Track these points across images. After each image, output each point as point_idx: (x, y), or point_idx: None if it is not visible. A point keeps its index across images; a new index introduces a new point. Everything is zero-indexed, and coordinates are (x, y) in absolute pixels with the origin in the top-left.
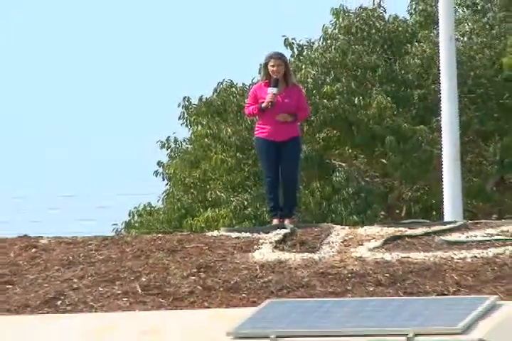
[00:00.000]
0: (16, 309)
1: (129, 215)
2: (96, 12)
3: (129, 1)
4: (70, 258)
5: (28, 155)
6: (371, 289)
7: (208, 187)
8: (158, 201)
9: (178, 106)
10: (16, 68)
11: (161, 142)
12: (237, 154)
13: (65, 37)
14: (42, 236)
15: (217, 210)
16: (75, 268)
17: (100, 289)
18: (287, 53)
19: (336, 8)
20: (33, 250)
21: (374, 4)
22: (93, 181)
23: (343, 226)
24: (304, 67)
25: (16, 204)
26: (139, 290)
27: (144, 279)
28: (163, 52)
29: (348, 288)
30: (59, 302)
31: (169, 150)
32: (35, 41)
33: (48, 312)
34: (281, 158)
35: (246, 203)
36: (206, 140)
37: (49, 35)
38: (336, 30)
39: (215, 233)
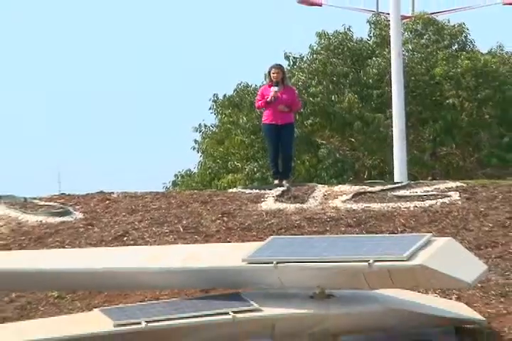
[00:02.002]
0: (95, 243)
1: (175, 177)
2: (144, 15)
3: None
4: (133, 207)
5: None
6: (343, 229)
7: (229, 158)
8: (194, 168)
9: (209, 100)
10: (66, 61)
11: (194, 127)
12: (251, 136)
13: (119, 36)
14: (113, 192)
15: (235, 175)
16: (136, 214)
17: (154, 229)
18: (285, 63)
19: (320, 32)
20: (107, 202)
21: (345, 29)
22: (152, 155)
23: (323, 185)
24: (296, 73)
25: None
26: (181, 230)
27: (184, 222)
28: (201, 61)
29: (327, 228)
30: (125, 239)
31: (201, 132)
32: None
33: (117, 246)
34: (280, 138)
35: (256, 170)
36: (228, 125)
37: (97, 34)
38: (319, 48)
39: (234, 190)
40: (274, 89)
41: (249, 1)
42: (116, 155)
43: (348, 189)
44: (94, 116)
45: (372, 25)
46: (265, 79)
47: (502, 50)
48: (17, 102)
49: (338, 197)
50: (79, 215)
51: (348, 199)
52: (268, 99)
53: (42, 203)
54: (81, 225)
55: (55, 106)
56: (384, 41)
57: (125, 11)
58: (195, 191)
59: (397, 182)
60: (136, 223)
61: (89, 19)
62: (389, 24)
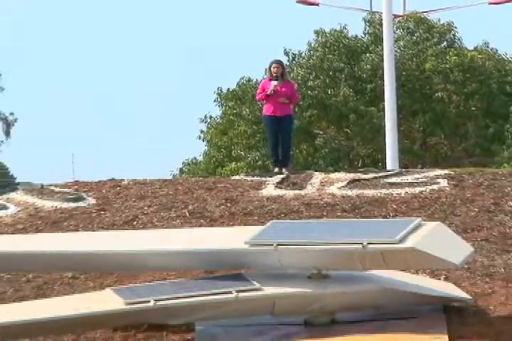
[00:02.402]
0: (107, 227)
1: (182, 165)
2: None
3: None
4: (142, 193)
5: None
6: (339, 214)
7: (232, 147)
8: (200, 156)
9: (214, 93)
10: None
11: (200, 118)
12: (253, 126)
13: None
14: (124, 179)
15: (238, 163)
16: (145, 200)
17: (162, 214)
18: (285, 59)
19: (317, 30)
20: (118, 188)
21: (341, 27)
22: (160, 144)
23: (320, 173)
24: (295, 68)
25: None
26: (187, 215)
27: (190, 207)
28: (207, 57)
29: (324, 213)
30: (135, 223)
31: (206, 123)
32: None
33: (127, 229)
34: (280, 128)
35: (257, 158)
36: (231, 117)
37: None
38: (317, 45)
39: (237, 177)
40: (274, 83)
41: (251, 1)
42: (127, 145)
43: (344, 176)
44: (107, 107)
45: (368, 23)
46: (266, 74)
47: (487, 46)
48: (35, 94)
49: (334, 184)
50: (92, 201)
51: (343, 186)
52: (268, 92)
53: (57, 190)
54: (94, 210)
55: (70, 98)
56: (377, 38)
57: (136, 12)
58: (201, 178)
59: (389, 170)
60: (146, 208)
61: (104, 18)
62: (382, 22)
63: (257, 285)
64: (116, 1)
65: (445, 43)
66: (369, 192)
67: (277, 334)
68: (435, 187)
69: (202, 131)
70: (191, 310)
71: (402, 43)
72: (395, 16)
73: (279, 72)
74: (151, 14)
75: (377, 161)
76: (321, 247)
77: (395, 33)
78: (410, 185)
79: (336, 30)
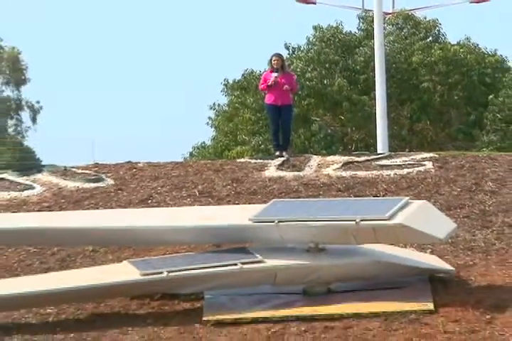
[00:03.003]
0: (124, 205)
1: (192, 149)
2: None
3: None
4: (156, 175)
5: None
6: (334, 193)
7: (237, 133)
8: (208, 140)
9: (221, 84)
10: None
11: (209, 106)
12: (256, 113)
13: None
14: (139, 162)
15: (243, 147)
16: (158, 181)
17: (173, 193)
18: (285, 52)
19: (315, 26)
20: (134, 170)
21: (337, 24)
22: (172, 130)
23: (317, 156)
24: (295, 61)
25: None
26: (197, 194)
27: (199, 187)
28: (215, 51)
29: (321, 192)
30: (149, 201)
31: (214, 110)
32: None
33: (142, 207)
34: (280, 116)
35: (260, 142)
36: (237, 105)
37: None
38: (315, 39)
39: (242, 160)
40: (274, 74)
41: (255, 1)
42: (142, 131)
43: (338, 159)
44: (124, 96)
45: (361, 20)
46: (268, 66)
47: (469, 41)
48: (58, 83)
49: (330, 166)
50: (110, 182)
51: (338, 168)
52: (269, 83)
53: (79, 171)
54: (112, 190)
55: (91, 87)
56: (369, 34)
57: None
58: (209, 161)
59: (380, 154)
60: (159, 188)
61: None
62: (373, 19)
63: (260, 257)
64: None
65: (430, 38)
66: (361, 174)
67: (278, 303)
68: (421, 168)
69: (210, 118)
70: (200, 280)
71: (391, 38)
72: (385, 14)
73: (279, 64)
74: (172, 12)
75: (369, 145)
76: (318, 223)
77: (385, 28)
78: (399, 166)
79: (332, 26)
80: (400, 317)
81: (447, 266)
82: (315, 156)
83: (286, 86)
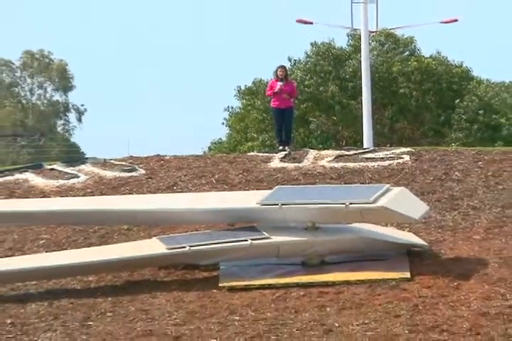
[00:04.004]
0: (154, 191)
1: (210, 144)
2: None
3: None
4: (180, 165)
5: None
6: (328, 181)
7: (248, 131)
8: (223, 137)
9: (234, 90)
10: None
11: (225, 108)
12: (263, 114)
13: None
14: (166, 155)
15: (253, 142)
16: (182, 171)
17: (194, 181)
18: (288, 64)
19: (312, 42)
20: (162, 162)
21: (330, 40)
22: (193, 128)
23: (314, 150)
24: (295, 71)
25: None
26: (214, 182)
27: (216, 176)
28: (231, 64)
29: (317, 180)
30: (174, 188)
31: (229, 112)
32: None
33: (168, 193)
34: (283, 117)
35: (266, 139)
36: (248, 107)
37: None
38: (312, 53)
39: (252, 153)
40: (280, 83)
41: (264, 22)
42: (169, 130)
43: (331, 153)
44: (154, 100)
45: (350, 37)
46: (273, 76)
47: (439, 55)
48: (99, 88)
49: (324, 158)
50: (142, 171)
51: (331, 160)
52: (275, 90)
53: (116, 163)
54: (143, 178)
55: (127, 92)
56: (357, 49)
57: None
58: (224, 154)
59: (366, 148)
60: (182, 177)
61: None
62: (360, 37)
63: (266, 235)
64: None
65: (407, 52)
66: (350, 165)
67: (281, 272)
68: (400, 161)
69: (225, 119)
70: (216, 253)
71: (375, 52)
72: (370, 32)
73: (283, 74)
74: (194, 33)
75: (357, 141)
76: (314, 206)
77: (370, 44)
78: (381, 159)
79: (326, 42)
80: (382, 284)
81: (421, 242)
82: (312, 150)
83: (285, 94)
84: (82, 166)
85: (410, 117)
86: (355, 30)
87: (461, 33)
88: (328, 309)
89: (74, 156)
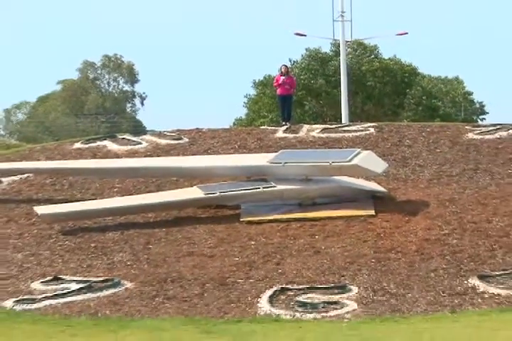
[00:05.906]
0: (194, 154)
1: (234, 120)
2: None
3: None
4: (213, 136)
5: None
6: (317, 147)
7: (260, 110)
8: (243, 116)
9: (251, 82)
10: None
11: (244, 95)
12: (272, 99)
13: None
14: (203, 128)
15: (264, 119)
16: (214, 139)
17: (223, 147)
18: (289, 63)
19: (306, 48)
20: (200, 133)
21: (318, 47)
22: (223, 109)
23: (307, 125)
24: (294, 69)
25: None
26: (237, 147)
27: (238, 143)
28: (249, 64)
29: (309, 146)
30: (209, 151)
31: (247, 97)
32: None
33: (205, 155)
34: (286, 102)
35: (273, 116)
36: (261, 94)
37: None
38: (306, 56)
39: (263, 127)
40: (283, 77)
41: (272, 34)
42: (206, 110)
43: (319, 127)
44: (195, 88)
45: (332, 45)
46: (278, 71)
47: (396, 57)
48: (156, 81)
49: (314, 130)
50: (186, 140)
51: (319, 132)
52: (280, 82)
53: (168, 134)
54: (187, 145)
55: (177, 83)
56: (337, 53)
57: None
58: (244, 127)
59: (343, 123)
60: (214, 144)
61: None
62: (339, 45)
63: (273, 184)
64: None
65: (373, 56)
66: (333, 135)
67: (284, 210)
68: (367, 132)
69: (244, 102)
70: (238, 197)
71: (350, 56)
72: (346, 41)
73: (286, 70)
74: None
75: (337, 118)
76: (307, 164)
77: (346, 50)
78: (354, 131)
79: (315, 48)
80: (355, 219)
81: (382, 189)
82: (305, 125)
83: (286, 85)
84: (144, 136)
85: (375, 102)
86: (335, 40)
87: (411, 42)
88: (316, 236)
89: (138, 129)
